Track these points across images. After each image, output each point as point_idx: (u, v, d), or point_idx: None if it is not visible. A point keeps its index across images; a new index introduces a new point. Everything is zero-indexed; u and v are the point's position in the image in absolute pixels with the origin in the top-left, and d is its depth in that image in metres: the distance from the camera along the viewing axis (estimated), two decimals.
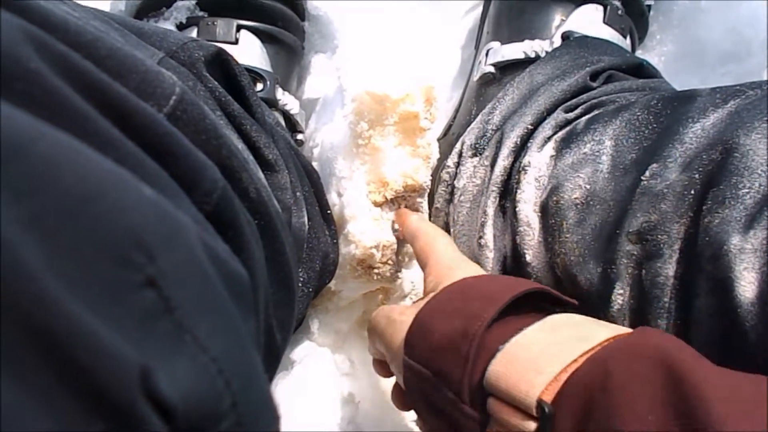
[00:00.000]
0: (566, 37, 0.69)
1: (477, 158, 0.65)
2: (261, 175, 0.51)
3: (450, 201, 0.67)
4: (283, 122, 0.71)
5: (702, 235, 0.44)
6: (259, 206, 0.43)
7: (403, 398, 0.57)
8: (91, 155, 0.24)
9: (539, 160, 0.58)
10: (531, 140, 0.60)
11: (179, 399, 0.22)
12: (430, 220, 0.68)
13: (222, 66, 0.53)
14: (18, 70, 0.25)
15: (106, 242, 0.22)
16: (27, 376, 0.19)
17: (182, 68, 0.47)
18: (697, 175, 0.47)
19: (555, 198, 0.55)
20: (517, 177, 0.59)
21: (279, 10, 0.73)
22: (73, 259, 0.21)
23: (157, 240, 0.24)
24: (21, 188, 0.21)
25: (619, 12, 0.72)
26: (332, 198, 0.66)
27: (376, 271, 0.65)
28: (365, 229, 0.63)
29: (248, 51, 0.69)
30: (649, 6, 0.78)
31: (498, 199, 0.61)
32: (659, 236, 0.47)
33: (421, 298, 0.53)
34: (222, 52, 0.53)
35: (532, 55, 0.69)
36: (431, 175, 0.66)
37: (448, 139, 0.74)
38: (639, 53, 0.80)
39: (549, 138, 0.59)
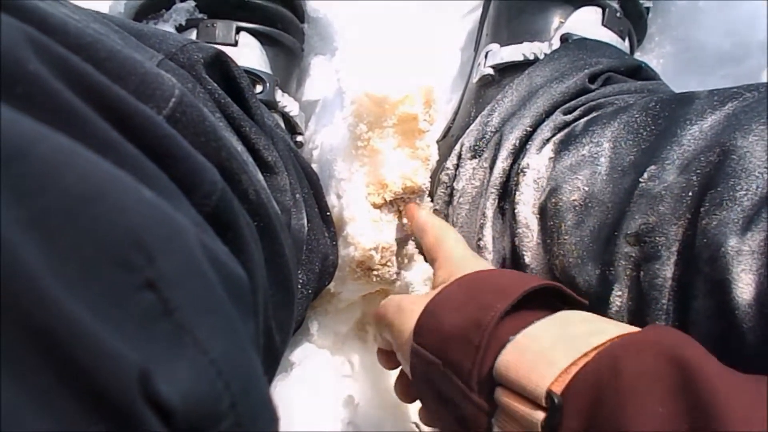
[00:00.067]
0: (565, 39, 0.69)
1: (476, 160, 0.65)
2: (260, 176, 0.51)
3: (449, 203, 0.67)
4: (282, 124, 0.71)
5: (700, 237, 0.45)
6: (258, 208, 0.44)
7: (407, 389, 0.57)
8: (91, 157, 0.24)
9: (538, 162, 0.58)
10: (530, 142, 0.60)
11: (178, 400, 0.23)
12: None
13: (221, 68, 0.53)
14: (18, 73, 0.25)
15: (105, 244, 0.22)
16: (27, 376, 0.20)
17: (181, 70, 0.47)
18: (694, 177, 0.47)
19: (553, 200, 0.55)
20: (515, 179, 0.59)
21: (278, 12, 0.73)
22: (73, 261, 0.21)
23: (156, 242, 0.24)
24: (21, 190, 0.21)
25: (618, 14, 0.72)
26: (331, 200, 0.66)
27: (375, 272, 0.65)
28: (364, 230, 0.63)
29: (248, 53, 0.69)
30: (647, 8, 0.78)
31: (497, 200, 0.61)
32: (657, 238, 0.47)
33: (432, 290, 0.53)
34: (221, 54, 0.53)
35: (531, 57, 0.69)
36: (430, 177, 0.66)
37: (448, 141, 0.74)
38: (637, 55, 0.80)
39: (548, 140, 0.59)
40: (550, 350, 0.39)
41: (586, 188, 0.53)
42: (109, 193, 0.23)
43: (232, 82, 0.53)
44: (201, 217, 0.32)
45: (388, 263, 0.65)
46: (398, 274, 0.67)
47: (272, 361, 0.49)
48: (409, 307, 0.51)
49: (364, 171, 0.64)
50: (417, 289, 0.67)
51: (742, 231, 0.42)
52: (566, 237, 0.54)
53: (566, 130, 0.59)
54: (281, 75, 0.73)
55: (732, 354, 0.42)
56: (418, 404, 0.67)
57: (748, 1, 0.78)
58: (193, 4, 0.69)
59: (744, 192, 0.43)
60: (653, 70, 0.68)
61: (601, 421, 0.34)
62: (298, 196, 0.57)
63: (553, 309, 0.44)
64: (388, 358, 0.58)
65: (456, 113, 0.76)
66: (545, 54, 0.69)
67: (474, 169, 0.65)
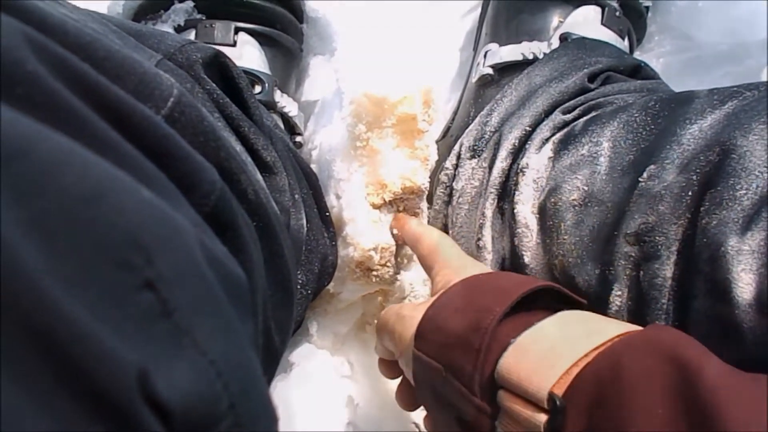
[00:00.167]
0: (564, 38, 0.69)
1: (475, 160, 0.65)
2: (259, 177, 0.51)
3: (448, 203, 0.67)
4: (281, 125, 0.71)
5: (699, 237, 0.45)
6: (257, 208, 0.43)
7: (408, 397, 0.57)
8: (90, 157, 0.24)
9: (537, 161, 0.58)
10: (529, 142, 0.60)
11: (177, 400, 0.23)
12: (428, 222, 0.68)
13: (220, 68, 0.53)
14: (17, 73, 0.25)
15: (105, 244, 0.22)
16: (27, 377, 0.20)
17: (180, 70, 0.47)
18: (694, 177, 0.47)
19: (553, 199, 0.55)
20: (515, 179, 0.59)
21: (277, 12, 0.73)
22: (72, 261, 0.21)
23: (155, 242, 0.24)
24: (21, 190, 0.21)
25: (617, 13, 0.72)
26: (331, 200, 0.66)
27: (374, 273, 0.65)
28: (364, 231, 0.63)
29: (246, 53, 0.69)
30: (647, 7, 0.78)
31: (496, 200, 0.61)
32: (657, 238, 0.47)
33: (432, 297, 0.53)
34: (220, 55, 0.53)
35: (530, 57, 0.69)
36: (430, 177, 0.66)
37: (447, 141, 0.74)
38: (637, 54, 0.80)
39: (547, 139, 0.59)
40: (551, 352, 0.39)
41: (586, 188, 0.53)
42: (108, 193, 0.23)
43: (231, 83, 0.53)
44: (200, 217, 0.32)
45: (388, 263, 0.65)
46: (398, 274, 0.67)
47: (271, 361, 0.49)
48: (409, 314, 0.51)
49: (363, 171, 0.64)
50: (417, 290, 0.67)
51: (742, 230, 0.42)
52: (566, 237, 0.54)
53: (565, 130, 0.59)
54: (280, 75, 0.73)
55: (732, 354, 0.41)
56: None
57: (747, 0, 0.78)
58: (192, 4, 0.69)
59: (744, 191, 0.43)
60: (653, 70, 0.68)
61: (602, 421, 0.34)
62: (297, 196, 0.57)
63: (553, 310, 0.44)
64: (390, 367, 0.58)
65: (455, 113, 0.76)
66: (544, 53, 0.69)
67: (473, 169, 0.65)
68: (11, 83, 0.24)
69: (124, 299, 0.23)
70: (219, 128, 0.41)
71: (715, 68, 0.80)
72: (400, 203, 0.65)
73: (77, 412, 0.20)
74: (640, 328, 0.40)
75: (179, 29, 0.69)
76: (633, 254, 0.49)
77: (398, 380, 0.58)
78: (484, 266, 0.56)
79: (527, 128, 0.61)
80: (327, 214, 0.65)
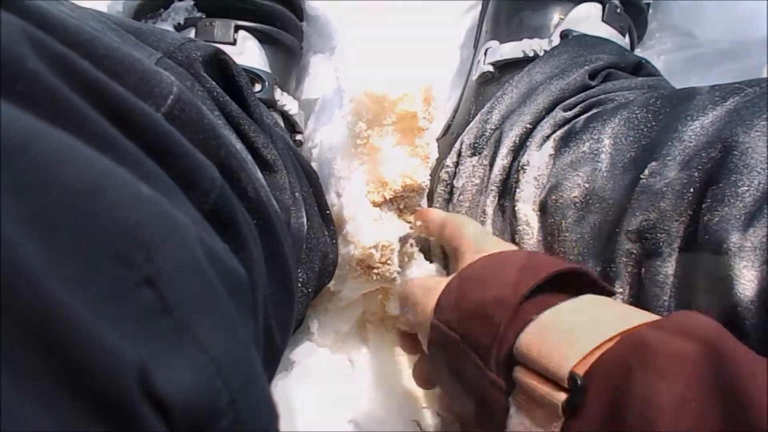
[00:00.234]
0: (565, 35, 0.69)
1: (476, 158, 0.65)
2: (260, 175, 0.51)
3: (449, 200, 0.67)
4: (281, 123, 0.71)
5: (701, 234, 0.44)
6: (257, 206, 0.43)
7: (424, 374, 0.56)
8: (90, 154, 0.24)
9: (538, 159, 0.58)
10: (530, 139, 0.60)
11: (178, 397, 0.22)
12: None
13: (220, 66, 0.53)
14: (17, 69, 0.25)
15: (104, 240, 0.22)
16: (27, 376, 0.19)
17: (180, 68, 0.47)
18: (696, 173, 0.47)
19: (554, 197, 0.55)
20: (516, 176, 0.59)
21: (277, 10, 0.73)
22: (72, 258, 0.21)
23: (155, 239, 0.24)
24: (20, 187, 0.21)
25: (618, 10, 0.72)
26: (331, 198, 0.66)
27: (375, 271, 0.65)
28: (364, 229, 0.63)
29: (246, 52, 0.69)
30: (648, 4, 0.78)
31: (497, 198, 0.61)
32: (658, 235, 0.47)
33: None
34: (220, 53, 0.53)
35: (531, 54, 0.69)
36: (430, 175, 0.65)
37: (448, 138, 0.74)
38: (638, 51, 0.80)
39: (548, 137, 0.59)
40: (574, 332, 0.38)
41: (587, 185, 0.53)
42: (107, 189, 0.23)
43: (231, 81, 0.53)
44: (200, 215, 0.32)
45: (388, 261, 0.64)
46: (398, 272, 0.67)
47: (272, 359, 0.49)
48: (434, 286, 0.51)
49: (364, 169, 0.64)
50: None
51: (744, 227, 0.42)
52: (567, 234, 0.54)
53: (566, 127, 0.59)
54: (280, 73, 0.73)
55: None
56: (419, 403, 0.67)
57: None
58: (192, 3, 0.69)
59: (746, 188, 0.43)
60: (654, 67, 0.68)
61: (626, 402, 0.33)
62: (297, 194, 0.57)
63: (578, 294, 0.43)
64: (410, 342, 0.57)
65: (456, 111, 0.76)
66: (545, 51, 0.68)
67: (474, 166, 0.65)
68: (11, 80, 0.24)
69: (124, 296, 0.23)
70: (219, 126, 0.41)
71: (716, 66, 0.80)
72: (401, 201, 0.65)
73: (77, 410, 0.20)
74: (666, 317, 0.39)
75: (179, 28, 0.69)
76: (634, 251, 0.49)
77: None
78: (511, 245, 0.56)
79: (528, 125, 0.61)
80: (327, 212, 0.65)
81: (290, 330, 0.54)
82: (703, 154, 0.47)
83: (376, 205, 0.64)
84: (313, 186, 0.63)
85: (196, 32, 0.68)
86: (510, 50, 0.71)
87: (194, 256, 0.26)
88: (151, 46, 0.47)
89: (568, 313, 0.41)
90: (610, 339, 0.37)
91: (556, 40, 0.69)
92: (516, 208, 0.58)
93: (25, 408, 0.19)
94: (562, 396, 0.36)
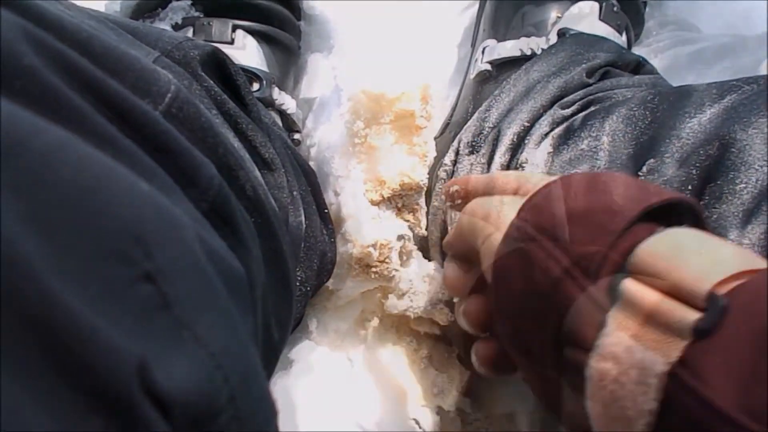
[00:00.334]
0: (562, 34, 0.69)
1: (474, 156, 0.65)
2: (258, 173, 0.51)
3: None
4: (279, 122, 0.71)
5: None
6: (256, 204, 0.43)
7: (481, 313, 0.49)
8: (89, 151, 0.24)
9: (536, 156, 0.58)
10: (528, 137, 0.60)
11: (177, 393, 0.23)
12: (427, 218, 0.68)
13: (218, 65, 0.53)
14: (16, 66, 0.25)
15: (104, 237, 0.22)
16: (27, 372, 0.19)
17: (178, 67, 0.47)
18: (694, 171, 0.47)
19: None
20: None
21: (275, 9, 0.73)
22: (71, 254, 0.21)
23: (154, 235, 0.24)
24: (20, 183, 0.21)
25: (615, 8, 0.72)
26: (329, 197, 0.66)
27: (374, 269, 0.65)
28: (363, 227, 0.63)
29: (244, 51, 0.69)
30: (645, 2, 0.78)
31: None
32: None
33: None
34: (218, 52, 0.53)
35: (528, 53, 0.69)
36: (428, 173, 0.66)
37: (445, 137, 0.74)
38: (635, 49, 0.80)
39: (546, 135, 0.59)
40: (714, 252, 0.34)
41: None
42: (106, 186, 0.23)
43: (229, 80, 0.53)
44: (199, 213, 0.32)
45: (387, 260, 0.65)
46: (397, 270, 0.67)
47: (271, 357, 0.49)
48: (512, 199, 0.46)
49: (362, 168, 0.64)
50: (416, 286, 0.67)
51: (742, 224, 0.42)
52: None
53: (564, 125, 0.59)
54: (278, 73, 0.73)
55: None
56: (418, 402, 0.67)
57: None
58: (189, 2, 0.69)
59: (744, 185, 0.43)
60: (651, 65, 0.68)
61: None
62: (295, 193, 0.57)
63: None
64: (462, 275, 0.52)
65: (453, 109, 0.76)
66: (542, 49, 0.68)
67: (472, 164, 0.65)
68: (10, 77, 0.24)
69: (124, 292, 0.23)
70: (217, 125, 0.41)
71: (714, 63, 0.80)
72: (399, 199, 0.65)
73: (77, 406, 0.20)
74: None
75: (177, 27, 0.69)
76: None
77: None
78: None
79: (526, 123, 0.61)
80: (326, 210, 0.65)
81: (289, 328, 0.54)
82: (701, 152, 0.47)
83: (374, 203, 0.64)
84: (311, 185, 0.63)
85: (193, 31, 0.68)
86: (507, 49, 0.71)
87: (193, 253, 0.26)
88: (149, 44, 0.47)
89: (696, 235, 0.37)
90: (756, 269, 0.33)
91: (553, 38, 0.69)
92: None
93: (25, 404, 0.19)
94: (693, 315, 0.32)
